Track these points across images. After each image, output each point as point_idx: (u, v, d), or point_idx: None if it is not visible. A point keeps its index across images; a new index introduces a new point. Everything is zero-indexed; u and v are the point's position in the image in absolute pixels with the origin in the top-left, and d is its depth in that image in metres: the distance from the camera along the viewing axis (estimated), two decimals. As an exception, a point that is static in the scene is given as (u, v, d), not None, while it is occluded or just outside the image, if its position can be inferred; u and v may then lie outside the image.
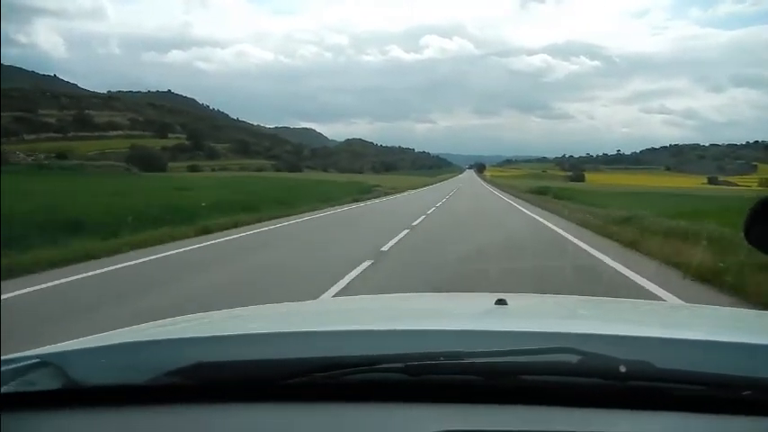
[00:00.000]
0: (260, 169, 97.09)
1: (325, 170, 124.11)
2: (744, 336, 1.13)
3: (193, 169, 77.38)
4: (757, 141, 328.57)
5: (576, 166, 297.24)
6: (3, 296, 5.54)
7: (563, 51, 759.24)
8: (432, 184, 67.47)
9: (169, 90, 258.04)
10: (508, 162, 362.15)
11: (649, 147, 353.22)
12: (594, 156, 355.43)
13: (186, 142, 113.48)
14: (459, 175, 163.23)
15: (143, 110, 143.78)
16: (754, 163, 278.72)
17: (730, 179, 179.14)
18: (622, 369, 0.81)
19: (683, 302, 5.03)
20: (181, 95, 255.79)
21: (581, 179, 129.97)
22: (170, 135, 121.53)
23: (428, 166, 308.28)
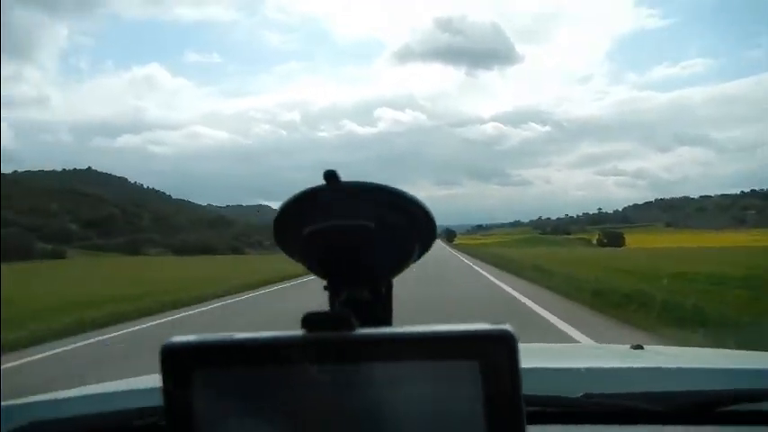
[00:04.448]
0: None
1: (177, 253, 70.49)
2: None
3: None
4: (754, 190, 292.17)
5: (559, 228, 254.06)
6: None
7: (513, 119, 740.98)
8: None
9: (89, 167, 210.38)
10: (480, 228, 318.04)
11: (632, 204, 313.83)
12: (575, 216, 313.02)
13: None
14: None
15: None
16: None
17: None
18: None
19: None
20: (105, 173, 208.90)
21: (619, 243, 78.83)
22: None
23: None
